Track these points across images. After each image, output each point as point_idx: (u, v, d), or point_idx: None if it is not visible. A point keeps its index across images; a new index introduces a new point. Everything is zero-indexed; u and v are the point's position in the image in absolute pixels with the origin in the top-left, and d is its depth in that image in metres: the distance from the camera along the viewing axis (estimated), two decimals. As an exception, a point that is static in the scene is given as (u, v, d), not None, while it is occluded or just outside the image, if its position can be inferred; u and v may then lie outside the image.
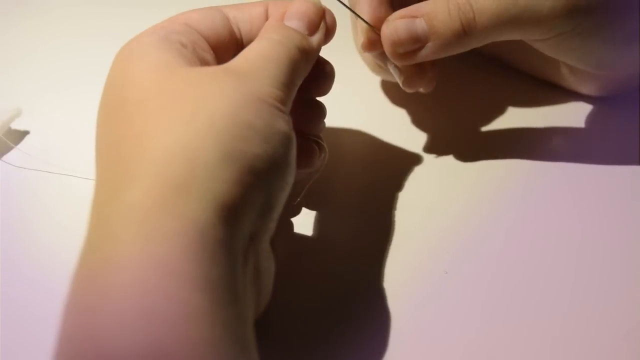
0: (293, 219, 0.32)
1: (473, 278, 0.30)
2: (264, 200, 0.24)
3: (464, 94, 0.39)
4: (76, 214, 0.33)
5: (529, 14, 0.29)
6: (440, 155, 0.36)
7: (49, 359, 0.20)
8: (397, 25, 0.31)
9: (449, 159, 0.35)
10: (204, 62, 0.26)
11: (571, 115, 0.37)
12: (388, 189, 0.34)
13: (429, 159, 0.36)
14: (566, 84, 0.38)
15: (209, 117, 0.23)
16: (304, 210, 0.33)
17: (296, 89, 0.27)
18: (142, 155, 0.22)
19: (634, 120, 0.35)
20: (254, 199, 0.23)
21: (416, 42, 0.31)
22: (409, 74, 0.33)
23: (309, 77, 0.29)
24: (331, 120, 0.33)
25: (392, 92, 0.39)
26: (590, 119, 0.37)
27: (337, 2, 0.31)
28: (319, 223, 0.33)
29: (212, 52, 0.28)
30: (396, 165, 0.35)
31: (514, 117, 0.38)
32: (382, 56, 0.33)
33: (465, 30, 0.30)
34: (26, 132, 0.38)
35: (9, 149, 0.36)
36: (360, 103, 0.39)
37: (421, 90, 0.35)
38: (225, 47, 0.29)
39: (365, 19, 0.32)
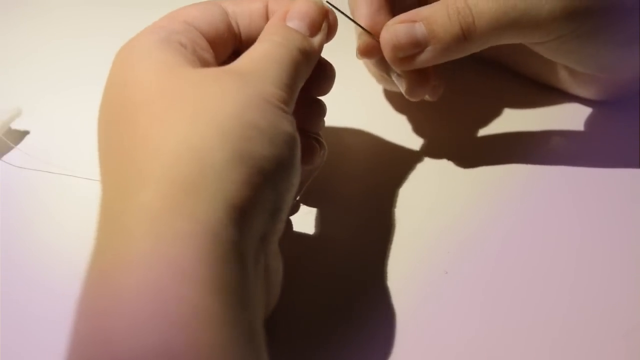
0: (292, 217, 0.32)
1: (473, 278, 0.30)
2: (272, 201, 0.24)
3: (465, 96, 0.39)
4: (76, 214, 0.33)
5: (528, 17, 0.29)
6: (441, 155, 0.36)
7: (49, 358, 0.20)
8: (396, 29, 0.31)
9: (450, 159, 0.36)
10: (203, 62, 0.26)
11: (570, 118, 0.37)
12: (388, 189, 0.34)
13: (429, 159, 0.36)
14: (566, 87, 0.38)
15: (214, 118, 0.23)
16: (303, 208, 0.33)
17: (298, 90, 0.27)
18: (150, 157, 0.22)
19: (633, 124, 0.35)
20: (263, 200, 0.23)
21: (416, 46, 0.31)
22: (412, 82, 0.33)
23: (310, 77, 0.29)
24: (332, 120, 0.33)
25: (392, 94, 0.39)
26: (590, 122, 0.37)
27: (337, 3, 0.31)
28: (318, 221, 0.33)
29: (211, 50, 0.28)
30: (396, 165, 0.35)
31: (514, 120, 0.37)
32: (383, 64, 0.33)
33: (465, 34, 0.30)
34: (26, 132, 0.38)
35: (9, 149, 0.36)
36: (361, 105, 0.39)
37: (427, 98, 0.35)
38: (224, 42, 0.29)
39: (362, 25, 0.32)
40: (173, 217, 0.21)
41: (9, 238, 0.32)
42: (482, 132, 0.37)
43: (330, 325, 0.28)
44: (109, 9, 0.47)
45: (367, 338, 0.28)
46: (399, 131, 0.37)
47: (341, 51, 0.33)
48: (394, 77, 0.34)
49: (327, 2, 0.30)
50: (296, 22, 0.28)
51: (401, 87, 0.33)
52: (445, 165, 0.35)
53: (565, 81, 0.37)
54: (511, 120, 0.37)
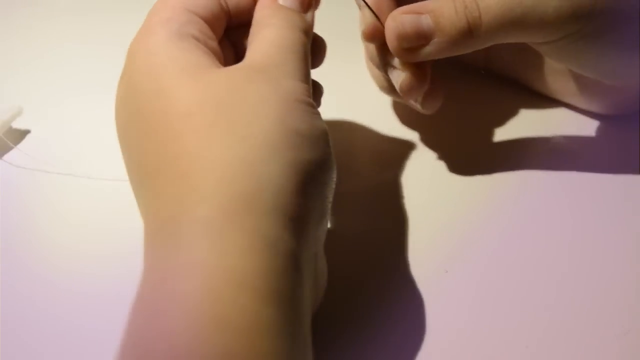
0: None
1: (473, 277, 0.30)
2: (321, 204, 0.24)
3: (467, 104, 0.39)
4: (77, 214, 0.33)
5: (534, 14, 0.29)
6: (441, 155, 0.36)
7: (50, 358, 0.20)
8: (402, 19, 0.30)
9: (451, 160, 0.35)
10: (213, 52, 0.26)
11: (570, 125, 0.37)
12: (388, 189, 0.34)
13: (429, 159, 0.36)
14: (570, 99, 0.37)
15: (261, 129, 0.23)
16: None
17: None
18: (203, 172, 0.22)
19: (634, 132, 0.35)
20: (315, 206, 0.24)
21: (421, 38, 0.30)
22: (408, 78, 0.32)
23: None
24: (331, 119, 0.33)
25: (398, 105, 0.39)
26: (591, 128, 0.37)
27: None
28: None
29: (214, 37, 0.27)
30: (396, 166, 0.35)
31: (515, 127, 0.37)
32: (382, 56, 0.33)
33: (471, 29, 0.30)
34: (27, 132, 0.38)
35: (9, 148, 0.36)
36: (361, 107, 0.39)
37: (421, 110, 0.35)
38: (220, 23, 0.28)
39: (368, 8, 0.32)
40: (234, 232, 0.21)
41: (9, 238, 0.32)
42: (484, 137, 0.37)
43: (330, 325, 0.28)
44: (109, 10, 0.47)
45: (367, 338, 0.28)
46: (399, 133, 0.37)
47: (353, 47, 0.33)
48: (390, 73, 0.33)
49: None
50: (289, 1, 0.28)
51: (396, 83, 0.33)
52: (446, 166, 0.35)
53: (570, 93, 0.37)
54: (512, 127, 0.37)
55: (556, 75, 0.36)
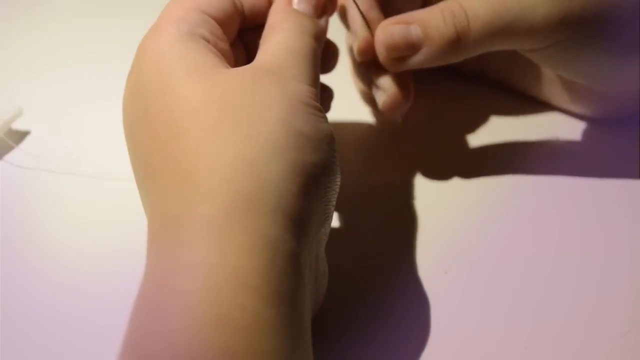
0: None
1: (473, 278, 0.30)
2: (323, 207, 0.24)
3: (465, 108, 0.39)
4: (78, 213, 0.33)
5: (522, 21, 0.29)
6: (440, 158, 0.36)
7: (53, 356, 0.20)
8: (391, 29, 0.31)
9: (450, 163, 0.36)
10: (223, 54, 0.26)
11: (570, 132, 0.37)
12: (387, 191, 0.34)
13: (428, 162, 0.36)
14: (563, 104, 0.37)
15: (266, 130, 0.23)
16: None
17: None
18: (207, 171, 0.22)
19: (632, 135, 0.35)
20: (317, 208, 0.24)
21: (410, 47, 0.31)
22: (392, 96, 0.33)
23: None
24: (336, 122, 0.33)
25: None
26: (589, 134, 0.37)
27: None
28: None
29: (226, 38, 0.27)
30: (395, 168, 0.36)
31: (512, 131, 0.37)
32: (367, 74, 0.33)
33: (460, 37, 0.30)
34: (27, 132, 0.38)
35: (9, 148, 0.36)
36: (362, 111, 0.39)
37: (400, 124, 0.35)
38: (233, 24, 0.29)
39: (362, 18, 0.32)
40: (236, 231, 0.21)
41: (10, 238, 0.32)
42: (483, 140, 0.37)
43: (329, 325, 0.28)
44: (109, 11, 0.47)
45: (367, 339, 0.28)
46: (398, 136, 0.37)
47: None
48: (374, 91, 0.33)
49: None
50: (303, 5, 0.28)
51: (379, 101, 0.33)
52: (445, 169, 0.35)
53: (564, 99, 0.37)
54: (510, 131, 0.37)
55: (549, 81, 0.37)
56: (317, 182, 0.24)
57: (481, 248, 0.31)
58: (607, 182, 0.34)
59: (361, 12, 0.32)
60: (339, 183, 0.26)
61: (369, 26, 0.32)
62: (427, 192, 0.34)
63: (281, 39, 0.27)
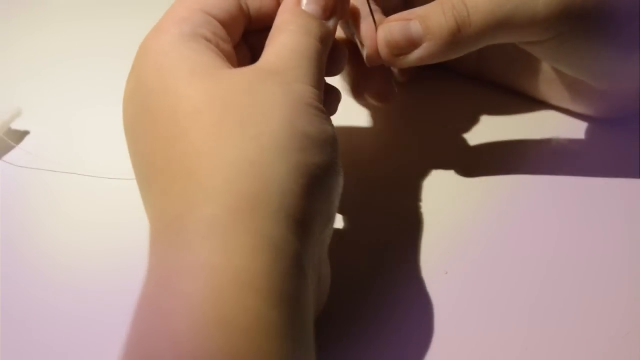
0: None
1: (473, 279, 0.30)
2: (326, 208, 0.24)
3: (465, 112, 0.39)
4: (79, 213, 0.33)
5: (522, 11, 0.29)
6: (441, 159, 0.36)
7: (54, 355, 0.20)
8: (391, 27, 0.31)
9: (451, 163, 0.36)
10: (225, 55, 0.26)
11: (570, 131, 0.37)
12: (387, 192, 0.34)
13: (428, 162, 0.36)
14: (565, 104, 0.37)
15: (269, 130, 0.23)
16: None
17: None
18: (210, 171, 0.22)
19: (633, 133, 0.35)
20: (320, 209, 0.24)
21: (411, 44, 0.30)
22: (372, 46, 0.32)
23: None
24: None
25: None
26: (590, 133, 0.37)
27: None
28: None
29: (229, 39, 0.27)
30: (396, 169, 0.36)
31: (512, 130, 0.37)
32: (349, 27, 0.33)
33: (460, 29, 0.30)
34: (26, 132, 0.38)
35: (9, 148, 0.36)
36: (363, 112, 0.39)
37: (374, 102, 0.35)
38: (237, 26, 0.28)
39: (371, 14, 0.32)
40: (239, 232, 0.21)
41: (10, 236, 0.32)
42: (483, 140, 0.37)
43: (328, 325, 0.28)
44: (108, 11, 0.47)
45: (368, 338, 0.28)
46: (399, 137, 0.38)
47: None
48: (356, 40, 0.33)
49: None
50: (312, 6, 0.28)
51: (363, 51, 0.32)
52: (445, 169, 0.35)
53: (564, 99, 0.37)
54: (510, 130, 0.37)
55: (549, 81, 0.37)
56: (320, 183, 0.23)
57: (482, 248, 0.31)
58: (608, 182, 0.34)
59: (372, 13, 0.32)
60: (341, 184, 0.26)
61: (376, 26, 0.32)
62: (427, 193, 0.34)
63: (286, 40, 0.27)
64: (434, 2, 0.31)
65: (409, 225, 0.32)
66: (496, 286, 0.30)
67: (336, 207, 0.26)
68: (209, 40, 0.26)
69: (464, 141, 0.37)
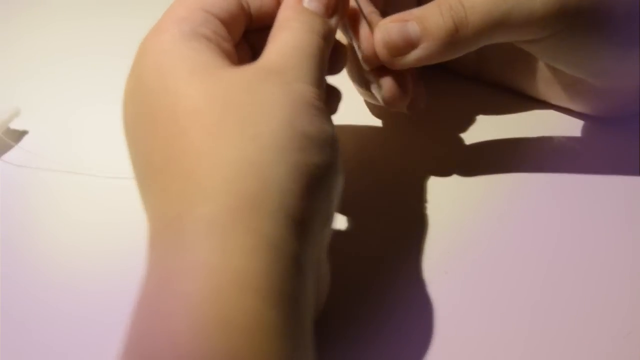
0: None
1: (473, 279, 0.30)
2: (326, 208, 0.24)
3: (465, 112, 0.39)
4: (76, 211, 0.33)
5: (520, 9, 0.29)
6: (440, 158, 0.36)
7: (54, 355, 0.20)
8: (389, 27, 0.31)
9: (451, 163, 0.36)
10: (226, 54, 0.26)
11: (571, 130, 0.37)
12: (387, 192, 0.34)
13: (428, 162, 0.36)
14: (564, 103, 0.37)
15: (269, 129, 0.23)
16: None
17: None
18: (209, 171, 0.22)
19: (633, 136, 0.35)
20: (320, 209, 0.24)
21: (409, 44, 0.30)
22: (391, 92, 0.32)
23: None
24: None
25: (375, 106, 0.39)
26: (591, 132, 0.37)
27: None
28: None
29: (230, 38, 0.27)
30: (396, 169, 0.36)
31: (512, 130, 0.37)
32: (362, 74, 0.33)
33: (458, 29, 0.30)
34: (25, 132, 0.38)
35: (8, 147, 0.36)
36: (363, 112, 0.39)
37: (406, 111, 0.35)
38: (238, 25, 0.28)
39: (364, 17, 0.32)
40: (239, 232, 0.21)
41: (9, 236, 0.32)
42: (483, 139, 0.37)
43: (327, 325, 0.28)
44: (109, 11, 0.47)
45: (368, 338, 0.28)
46: (399, 136, 0.37)
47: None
48: (373, 89, 0.33)
49: None
50: (314, 4, 0.28)
51: (379, 96, 0.33)
52: (445, 169, 0.35)
53: (563, 98, 0.37)
54: (509, 130, 0.37)
55: (548, 80, 0.37)
56: (320, 183, 0.23)
57: (482, 248, 0.31)
58: (608, 181, 0.34)
59: (361, 11, 0.32)
60: (341, 184, 0.26)
61: (372, 31, 0.32)
62: (427, 193, 0.34)
63: (288, 38, 0.26)
64: (431, 3, 0.31)
65: (409, 225, 0.32)
66: (497, 286, 0.30)
67: (336, 207, 0.26)
68: (209, 40, 0.26)
69: (464, 141, 0.37)
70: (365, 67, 0.33)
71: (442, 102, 0.38)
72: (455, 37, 0.30)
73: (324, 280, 0.27)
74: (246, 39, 0.30)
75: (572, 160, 0.35)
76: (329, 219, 0.25)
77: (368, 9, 0.32)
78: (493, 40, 0.31)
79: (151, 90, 0.24)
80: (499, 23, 0.30)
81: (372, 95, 0.34)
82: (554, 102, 0.38)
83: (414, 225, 0.32)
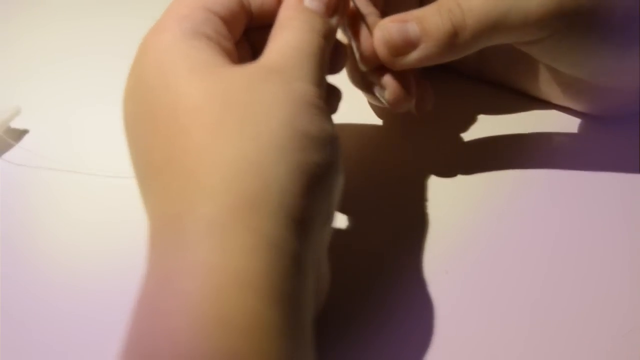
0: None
1: (474, 278, 0.30)
2: (326, 207, 0.24)
3: (466, 112, 0.39)
4: (77, 210, 0.33)
5: (516, 11, 0.29)
6: (441, 157, 0.36)
7: (54, 354, 0.20)
8: (389, 27, 0.31)
9: (451, 162, 0.36)
10: (227, 53, 0.26)
11: (571, 129, 0.37)
12: (387, 191, 0.34)
13: (429, 161, 0.36)
14: (564, 102, 0.37)
15: (269, 129, 0.23)
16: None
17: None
18: (209, 170, 0.22)
19: (633, 135, 0.35)
20: (320, 209, 0.24)
21: (408, 45, 0.31)
22: (395, 94, 0.33)
23: None
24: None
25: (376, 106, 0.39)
26: (590, 133, 0.37)
27: None
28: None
29: (230, 37, 0.27)
30: (396, 168, 0.36)
31: (513, 128, 0.37)
32: (365, 77, 0.33)
33: (457, 32, 0.30)
34: (25, 131, 0.38)
35: (8, 147, 0.36)
36: (364, 112, 0.39)
37: (413, 111, 0.35)
38: (239, 23, 0.28)
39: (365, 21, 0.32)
40: (239, 231, 0.21)
41: (10, 235, 0.32)
42: (482, 142, 0.37)
43: (328, 325, 0.28)
44: (109, 10, 0.47)
45: (368, 338, 0.28)
46: (399, 136, 0.37)
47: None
48: (376, 91, 0.33)
49: None
50: (315, 3, 0.28)
51: (383, 99, 0.33)
52: (445, 168, 0.35)
53: (564, 97, 0.37)
54: (510, 129, 0.37)
55: (548, 80, 0.37)
56: (321, 183, 0.23)
57: (482, 247, 0.31)
58: (609, 180, 0.34)
59: (364, 18, 0.32)
60: (341, 183, 0.26)
61: (371, 31, 0.32)
62: (428, 192, 0.34)
63: (289, 37, 0.26)
64: (431, 4, 0.31)
65: (409, 224, 0.32)
66: (497, 285, 0.30)
67: (336, 206, 0.26)
68: (210, 39, 0.26)
69: (464, 140, 0.37)
70: (363, 67, 0.33)
71: (443, 102, 0.38)
72: (453, 39, 0.30)
73: (324, 279, 0.27)
74: (247, 37, 0.30)
75: (572, 159, 0.35)
76: (329, 218, 0.25)
77: (368, 10, 0.32)
78: (492, 42, 0.31)
79: (152, 88, 0.24)
80: (497, 25, 0.30)
81: (376, 98, 0.34)
82: (554, 101, 0.38)
83: (414, 224, 0.32)
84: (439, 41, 0.30)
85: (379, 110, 0.39)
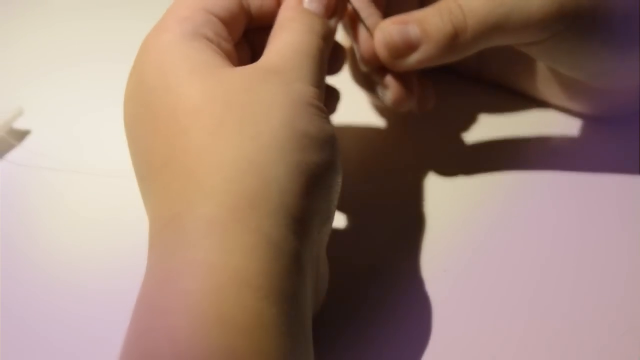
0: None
1: (472, 277, 0.30)
2: (325, 207, 0.24)
3: (465, 112, 0.39)
4: (79, 211, 0.33)
5: (518, 11, 0.29)
6: (440, 158, 0.36)
7: (54, 353, 0.20)
8: (390, 29, 0.31)
9: (451, 162, 0.36)
10: (226, 54, 0.26)
11: (570, 130, 0.37)
12: (387, 191, 0.34)
13: (428, 161, 0.36)
14: (564, 103, 0.37)
15: (269, 129, 0.23)
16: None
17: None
18: (210, 171, 0.22)
19: (633, 136, 0.35)
20: (319, 208, 0.24)
21: (409, 46, 0.31)
22: (397, 94, 0.33)
23: None
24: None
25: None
26: (589, 133, 0.37)
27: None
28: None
29: (230, 38, 0.27)
30: (395, 168, 0.36)
31: (513, 129, 0.38)
32: (368, 77, 0.33)
33: (458, 33, 0.30)
34: (27, 132, 0.38)
35: (11, 147, 0.37)
36: (364, 112, 0.39)
37: (414, 109, 0.35)
38: (238, 24, 0.28)
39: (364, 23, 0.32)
40: (239, 231, 0.21)
41: (11, 236, 0.32)
42: (481, 142, 0.37)
43: (327, 325, 0.28)
44: (111, 12, 0.48)
45: (366, 337, 0.28)
46: (398, 136, 0.38)
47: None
48: (379, 91, 0.34)
49: None
50: (315, 5, 0.28)
51: (385, 99, 0.33)
52: (445, 168, 0.35)
53: (564, 98, 0.37)
54: (510, 129, 0.38)
55: (548, 81, 0.37)
56: (320, 182, 0.24)
57: (481, 247, 0.31)
58: (608, 181, 0.34)
59: (365, 20, 0.32)
60: (340, 183, 0.26)
61: (371, 33, 0.32)
62: (427, 192, 0.34)
63: (288, 38, 0.27)
64: (432, 6, 0.31)
65: (408, 223, 0.32)
66: (495, 284, 0.30)
67: (335, 206, 0.26)
68: (210, 40, 0.26)
69: (463, 140, 0.37)
70: (363, 68, 0.33)
71: (443, 102, 0.38)
72: (454, 40, 0.30)
73: (323, 278, 0.27)
74: (246, 38, 0.30)
75: (571, 160, 0.35)
76: (329, 218, 0.25)
77: (369, 11, 0.32)
78: (492, 43, 0.31)
79: (152, 89, 0.25)
80: (497, 26, 0.30)
81: (378, 97, 0.34)
82: (554, 102, 0.38)
83: (413, 224, 0.32)
84: (439, 43, 0.30)
85: (380, 109, 0.39)
